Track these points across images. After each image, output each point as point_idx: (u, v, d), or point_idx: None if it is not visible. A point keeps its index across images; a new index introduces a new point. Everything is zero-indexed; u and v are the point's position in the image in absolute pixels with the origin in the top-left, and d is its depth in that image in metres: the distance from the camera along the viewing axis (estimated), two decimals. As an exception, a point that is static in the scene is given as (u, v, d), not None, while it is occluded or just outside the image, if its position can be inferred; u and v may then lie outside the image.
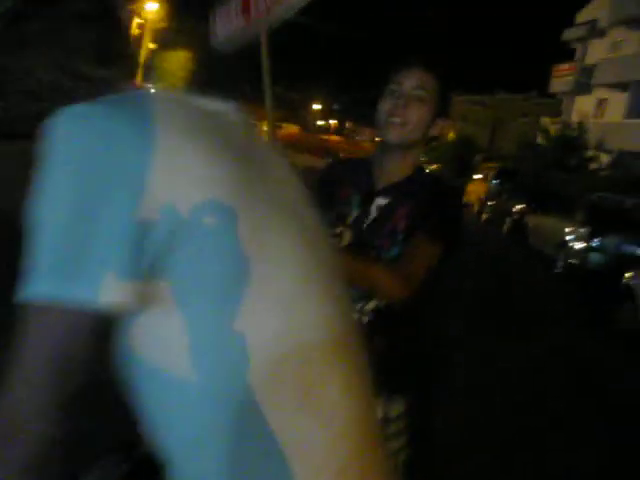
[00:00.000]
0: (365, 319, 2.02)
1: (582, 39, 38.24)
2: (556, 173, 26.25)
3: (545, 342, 7.89)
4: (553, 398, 6.03)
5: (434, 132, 2.16)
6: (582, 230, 13.58)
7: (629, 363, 8.05)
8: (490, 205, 22.87)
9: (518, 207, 19.18)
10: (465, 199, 27.88)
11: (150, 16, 39.55)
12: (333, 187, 2.21)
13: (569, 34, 39.84)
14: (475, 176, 28.29)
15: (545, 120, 34.70)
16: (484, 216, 23.06)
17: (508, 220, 19.65)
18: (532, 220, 16.93)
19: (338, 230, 2.11)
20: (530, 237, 16.62)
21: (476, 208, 25.13)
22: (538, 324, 9.06)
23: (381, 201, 2.10)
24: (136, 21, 38.84)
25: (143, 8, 39.04)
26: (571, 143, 28.59)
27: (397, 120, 2.05)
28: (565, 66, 38.92)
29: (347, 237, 2.10)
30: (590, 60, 36.32)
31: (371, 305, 2.02)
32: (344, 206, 2.15)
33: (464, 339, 6.85)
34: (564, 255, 13.84)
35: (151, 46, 40.71)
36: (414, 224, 2.03)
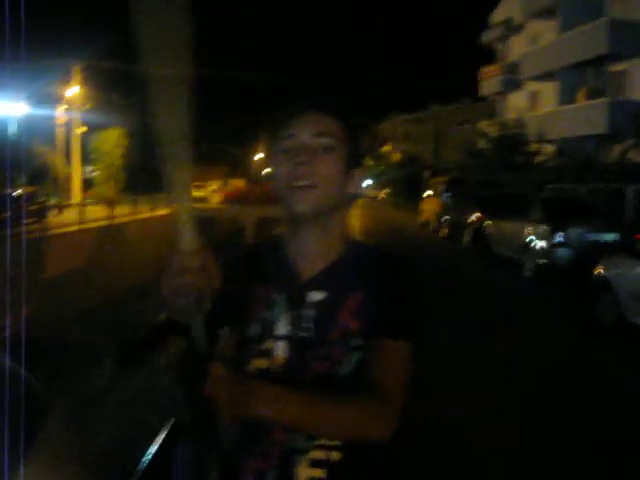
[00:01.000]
0: (336, 456, 1.50)
1: (501, 38, 38.85)
2: (504, 174, 26.25)
3: (530, 349, 7.58)
4: (531, 404, 5.60)
5: (353, 188, 1.63)
6: (542, 228, 13.32)
7: (615, 361, 7.67)
8: (446, 219, 22.59)
9: (474, 216, 18.90)
10: (420, 218, 27.73)
11: (74, 100, 39.25)
12: (241, 292, 1.62)
13: (487, 36, 40.43)
14: (426, 192, 28.06)
15: (482, 124, 34.87)
16: (442, 232, 22.76)
17: (466, 231, 19.37)
18: (491, 227, 16.63)
19: (266, 346, 1.57)
20: (492, 244, 16.29)
21: (432, 225, 24.86)
22: (518, 331, 8.72)
23: (314, 297, 1.57)
24: (61, 108, 38.73)
25: (65, 94, 38.75)
26: (512, 141, 28.68)
27: (303, 183, 1.52)
28: (491, 67, 39.39)
29: (280, 353, 1.56)
30: (513, 57, 36.80)
31: (316, 453, 1.50)
32: (263, 311, 1.60)
33: (440, 362, 6.42)
34: (530, 257, 13.52)
35: (82, 130, 40.40)
36: (370, 323, 1.53)
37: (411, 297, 1.59)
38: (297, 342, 1.54)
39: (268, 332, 1.57)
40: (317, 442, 1.49)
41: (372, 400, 1.44)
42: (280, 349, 1.55)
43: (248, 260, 1.66)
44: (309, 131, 1.57)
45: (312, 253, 1.61)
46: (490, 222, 16.92)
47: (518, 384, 6.64)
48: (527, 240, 13.72)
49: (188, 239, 1.19)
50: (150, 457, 1.75)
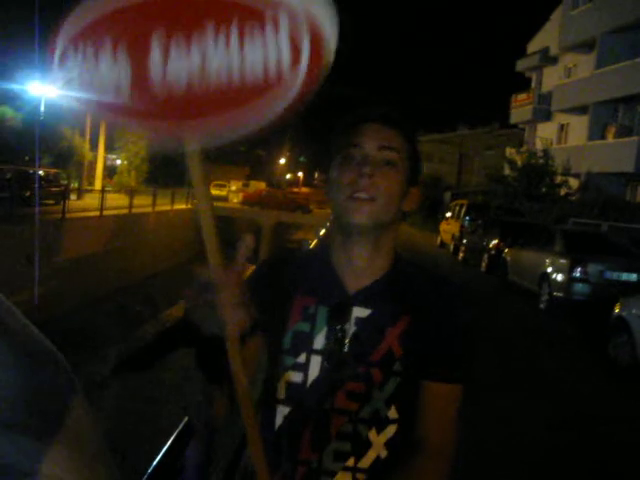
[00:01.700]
0: (363, 478, 1.46)
1: (536, 68, 38.73)
2: (527, 203, 26.11)
3: (539, 382, 7.47)
4: (540, 440, 5.49)
5: (408, 206, 1.59)
6: (562, 261, 13.19)
7: (629, 403, 7.54)
8: (465, 243, 22.45)
9: (493, 242, 18.77)
10: (439, 239, 27.62)
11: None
12: (279, 297, 1.56)
13: (522, 64, 40.31)
14: (447, 214, 27.95)
15: (510, 151, 34.74)
16: (460, 255, 22.62)
17: (485, 257, 19.22)
18: (509, 255, 16.48)
19: (300, 360, 1.51)
20: (510, 272, 16.13)
21: (451, 247, 24.73)
22: (528, 363, 8.59)
23: (359, 313, 1.51)
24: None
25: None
26: (538, 171, 28.55)
27: (363, 195, 1.48)
28: (523, 96, 39.23)
29: (315, 368, 1.50)
30: (546, 87, 36.74)
31: (369, 459, 1.46)
32: (300, 323, 1.54)
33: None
34: (547, 288, 13.39)
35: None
36: (416, 353, 1.49)
37: (467, 334, 1.55)
38: (334, 358, 1.49)
39: (303, 345, 1.51)
40: (345, 464, 1.45)
41: (428, 464, 1.45)
42: (315, 364, 1.50)
43: (291, 267, 1.61)
44: (376, 143, 1.54)
45: (360, 267, 1.55)
46: (509, 250, 16.79)
47: (527, 418, 6.54)
48: (545, 271, 13.59)
49: (214, 253, 1.12)
50: (161, 455, 1.70)
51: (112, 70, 1.09)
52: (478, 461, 5.06)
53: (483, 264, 19.32)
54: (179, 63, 1.04)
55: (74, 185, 34.49)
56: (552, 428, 6.29)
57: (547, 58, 37.16)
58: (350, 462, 1.45)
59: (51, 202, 24.61)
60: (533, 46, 39.84)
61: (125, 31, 1.07)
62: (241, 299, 1.13)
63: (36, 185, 24.86)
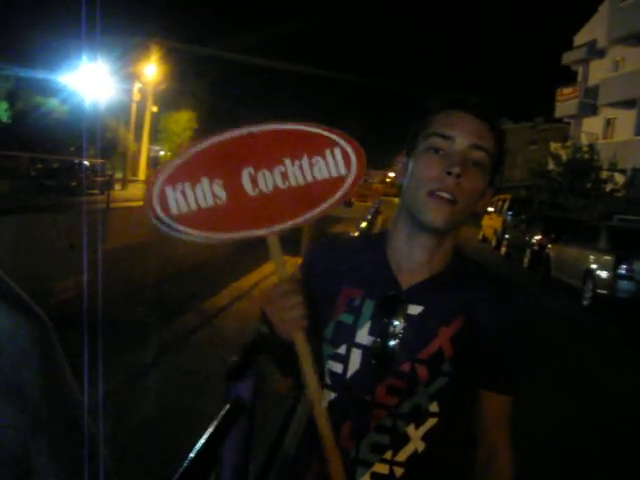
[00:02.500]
0: (400, 472, 1.45)
1: (583, 61, 38.09)
2: (572, 199, 25.72)
3: (585, 383, 7.35)
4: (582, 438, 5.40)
5: (482, 207, 1.54)
6: (607, 257, 12.96)
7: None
8: (507, 238, 22.18)
9: (537, 238, 18.51)
10: (480, 234, 27.36)
11: (150, 80, 39.92)
12: (323, 285, 1.55)
13: (569, 57, 39.66)
14: (489, 209, 27.67)
15: (555, 145, 34.23)
16: (502, 250, 22.37)
17: (528, 252, 18.96)
18: (553, 250, 16.23)
19: (340, 351, 1.49)
20: (553, 268, 15.90)
21: (493, 242, 24.48)
22: (571, 361, 8.47)
23: (410, 309, 1.47)
24: (137, 86, 39.46)
25: (143, 72, 39.43)
26: (583, 166, 28.10)
27: (446, 195, 1.41)
28: (569, 89, 38.65)
29: (356, 361, 1.48)
30: (593, 81, 36.14)
31: (406, 452, 1.45)
32: (344, 315, 1.51)
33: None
34: (591, 285, 13.17)
35: (154, 109, 41.09)
36: (468, 354, 1.46)
37: (522, 344, 1.52)
38: (378, 353, 1.46)
39: (344, 337, 1.49)
40: (382, 456, 1.44)
41: (498, 474, 1.52)
42: (356, 357, 1.47)
43: (337, 256, 1.57)
44: (468, 139, 1.45)
45: (419, 262, 1.51)
46: (552, 245, 16.55)
47: (568, 417, 6.45)
48: (590, 268, 13.37)
49: (281, 268, 1.42)
50: (201, 443, 1.71)
51: (209, 195, 1.39)
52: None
53: (525, 259, 19.07)
54: (264, 183, 1.42)
55: (118, 175, 34.95)
56: (595, 428, 6.20)
57: (594, 51, 36.51)
58: (387, 455, 1.44)
59: (96, 192, 24.96)
60: (580, 38, 39.17)
61: (217, 162, 1.40)
62: (304, 305, 1.37)
63: (82, 175, 25.23)
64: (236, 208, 1.40)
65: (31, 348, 0.79)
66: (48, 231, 14.47)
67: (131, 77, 38.48)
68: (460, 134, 1.45)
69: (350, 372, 1.47)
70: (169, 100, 42.53)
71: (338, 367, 1.48)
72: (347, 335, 1.48)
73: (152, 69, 39.89)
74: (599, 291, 12.83)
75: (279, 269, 1.43)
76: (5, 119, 29.33)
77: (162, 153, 46.65)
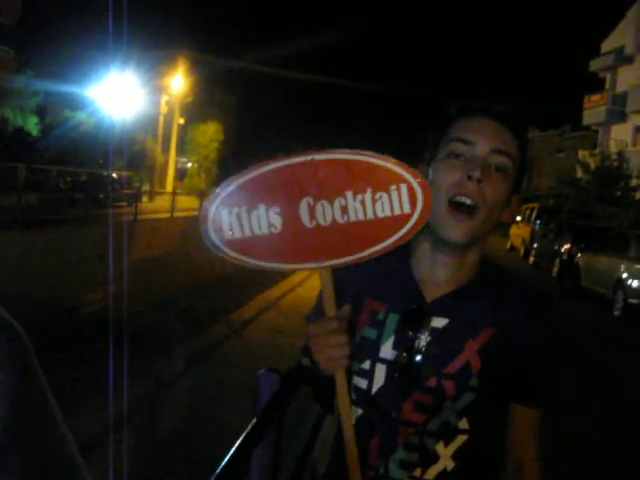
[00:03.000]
0: None
1: (610, 67, 37.71)
2: (601, 207, 25.43)
3: (616, 392, 7.24)
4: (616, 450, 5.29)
5: (507, 216, 1.48)
6: (638, 266, 12.78)
7: None
8: (536, 247, 21.99)
9: (566, 247, 18.33)
10: (508, 243, 27.15)
11: (177, 92, 40.26)
12: (350, 299, 1.47)
13: (596, 64, 39.30)
14: (517, 218, 27.44)
15: (583, 153, 33.91)
16: (531, 259, 22.18)
17: (557, 261, 18.79)
18: (582, 260, 16.06)
19: (365, 367, 1.44)
20: (582, 278, 15.72)
21: (522, 252, 24.28)
22: (602, 370, 8.34)
23: (435, 322, 1.41)
24: (164, 98, 39.82)
25: (169, 85, 39.78)
26: (612, 174, 27.79)
27: (467, 201, 1.37)
28: (596, 96, 38.28)
29: (380, 376, 1.43)
30: (621, 87, 35.77)
31: (435, 470, 1.40)
32: (368, 329, 1.46)
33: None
34: (622, 295, 12.99)
35: (181, 121, 41.42)
36: (497, 368, 1.40)
37: (554, 354, 1.46)
38: (402, 369, 1.40)
39: (368, 352, 1.44)
40: (411, 473, 1.39)
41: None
42: (380, 372, 1.42)
43: (365, 267, 1.45)
44: (490, 144, 1.40)
45: (442, 277, 1.45)
46: (582, 254, 16.37)
47: (601, 428, 6.35)
48: (621, 277, 13.19)
49: (330, 305, 1.37)
50: (229, 456, 1.69)
51: (264, 222, 1.34)
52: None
53: (554, 269, 18.89)
54: (322, 216, 1.35)
55: (146, 187, 35.23)
56: (626, 433, 6.10)
57: (622, 57, 36.15)
58: (416, 472, 1.39)
59: (124, 204, 25.20)
60: (607, 45, 38.80)
61: (276, 189, 1.34)
62: (349, 339, 1.34)
63: (110, 188, 25.47)
64: (291, 239, 1.35)
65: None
66: (77, 243, 14.61)
67: (158, 89, 38.85)
68: (481, 139, 1.40)
69: (375, 388, 1.43)
70: (196, 112, 42.85)
71: (363, 383, 1.44)
72: (371, 350, 1.44)
73: (179, 81, 40.24)
74: (630, 301, 12.66)
75: (328, 305, 1.38)
76: (35, 133, 29.74)
77: (189, 165, 46.96)
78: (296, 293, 13.01)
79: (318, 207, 1.35)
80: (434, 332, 1.40)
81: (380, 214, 1.35)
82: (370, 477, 1.41)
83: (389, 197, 1.35)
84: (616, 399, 7.36)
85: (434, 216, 1.37)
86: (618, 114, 35.06)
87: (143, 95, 35.09)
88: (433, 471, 1.39)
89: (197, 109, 42.90)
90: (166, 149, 40.23)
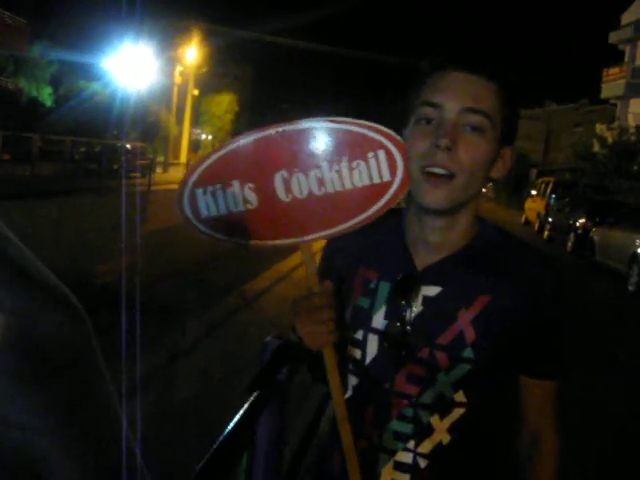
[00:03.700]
0: (424, 463, 1.36)
1: (630, 40, 37.19)
2: (618, 182, 25.23)
3: (628, 367, 7.21)
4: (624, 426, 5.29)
5: (499, 172, 1.37)
6: (654, 241, 12.68)
7: None
8: (551, 221, 21.87)
9: (581, 221, 18.21)
10: (523, 217, 27.01)
11: (191, 63, 40.10)
12: (345, 268, 1.45)
13: (616, 36, 38.76)
14: (532, 191, 27.26)
15: (601, 127, 33.56)
16: (545, 233, 22.06)
17: (571, 236, 18.67)
18: (598, 234, 15.94)
19: (357, 337, 1.40)
20: (597, 253, 15.62)
21: (536, 226, 24.15)
22: (616, 346, 8.30)
23: (428, 291, 1.34)
24: (178, 69, 39.68)
25: (184, 56, 39.62)
26: (630, 148, 27.51)
27: (440, 171, 1.26)
28: (615, 69, 37.79)
29: (373, 348, 1.38)
30: (641, 61, 35.26)
31: (430, 443, 1.36)
32: (361, 298, 1.41)
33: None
34: (637, 270, 12.90)
35: (195, 92, 41.30)
36: (494, 338, 1.32)
37: (558, 322, 1.38)
38: (394, 339, 1.35)
39: (361, 322, 1.40)
40: (405, 444, 1.36)
41: (544, 459, 1.43)
42: (373, 343, 1.38)
43: (358, 235, 1.39)
44: (461, 104, 1.27)
45: (434, 242, 1.37)
46: (597, 229, 16.26)
47: (614, 405, 6.33)
48: (635, 252, 13.09)
49: (314, 280, 1.34)
50: (235, 421, 1.69)
51: (239, 199, 1.31)
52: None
53: (569, 243, 18.78)
54: (299, 188, 1.31)
55: (160, 159, 35.25)
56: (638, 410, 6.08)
57: (642, 30, 35.66)
58: (411, 444, 1.35)
59: (137, 175, 25.25)
60: (627, 17, 38.21)
61: (249, 165, 1.31)
62: (333, 315, 1.32)
63: (124, 158, 25.49)
64: (268, 214, 1.32)
65: (73, 348, 0.70)
66: (90, 214, 14.67)
67: (173, 60, 38.71)
68: (449, 99, 1.28)
69: (368, 359, 1.39)
70: (210, 83, 42.71)
71: (357, 353, 1.40)
72: (363, 320, 1.39)
73: (193, 52, 40.06)
74: (645, 276, 12.59)
75: (311, 281, 1.35)
76: (49, 104, 29.72)
77: (204, 136, 46.91)
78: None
79: (294, 180, 1.31)
80: (426, 301, 1.34)
81: (358, 183, 1.31)
82: (364, 446, 1.39)
83: (367, 165, 1.31)
84: (633, 374, 7.34)
85: (412, 182, 1.31)
86: (637, 87, 34.62)
87: (157, 66, 34.97)
88: (428, 444, 1.35)
89: (212, 80, 42.74)
90: (180, 120, 40.18)
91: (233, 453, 1.73)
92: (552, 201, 23.10)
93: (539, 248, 1.42)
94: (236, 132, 43.69)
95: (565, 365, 1.43)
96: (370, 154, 1.31)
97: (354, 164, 1.31)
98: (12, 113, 25.30)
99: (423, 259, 1.37)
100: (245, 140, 1.32)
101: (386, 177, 1.31)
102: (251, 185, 1.31)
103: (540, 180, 27.38)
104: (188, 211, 1.34)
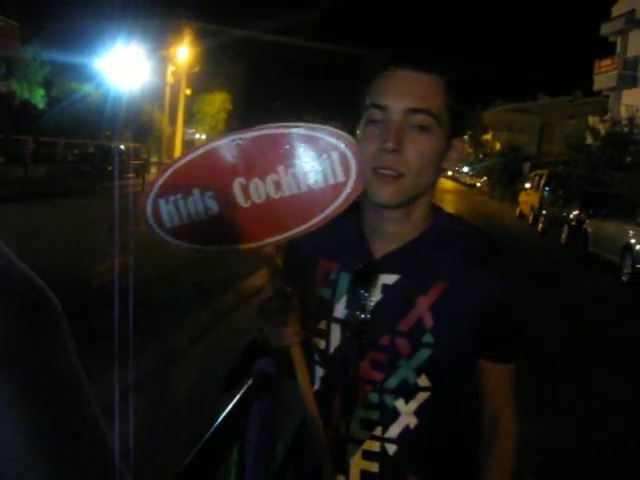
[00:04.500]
0: (392, 449, 1.39)
1: (621, 31, 37.21)
2: (610, 173, 25.29)
3: (623, 356, 7.26)
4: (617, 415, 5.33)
5: (450, 163, 1.40)
6: (646, 232, 12.73)
7: None
8: (545, 214, 21.93)
9: (574, 213, 18.28)
10: (517, 210, 27.05)
11: (183, 62, 40.02)
12: (303, 262, 1.49)
13: (607, 28, 38.78)
14: (526, 184, 27.32)
15: (593, 119, 33.62)
16: (539, 226, 22.12)
17: (565, 228, 18.74)
18: (591, 226, 16.01)
19: (321, 327, 1.44)
20: (590, 244, 15.69)
21: (531, 218, 24.22)
22: (610, 337, 8.35)
23: (385, 279, 1.37)
24: (170, 69, 39.60)
25: (176, 55, 39.53)
26: (623, 140, 27.56)
27: (388, 172, 1.29)
28: (607, 61, 37.82)
29: (336, 337, 1.42)
30: (632, 52, 35.30)
31: (397, 428, 1.38)
32: (323, 289, 1.44)
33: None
34: (629, 261, 12.97)
35: (188, 92, 41.21)
36: (452, 323, 1.35)
37: (517, 304, 1.40)
38: (355, 327, 1.39)
39: (324, 312, 1.43)
40: (372, 432, 1.39)
41: (503, 439, 1.45)
42: (336, 332, 1.42)
43: (316, 232, 1.40)
44: (405, 105, 1.29)
45: (389, 233, 1.41)
46: (590, 221, 16.32)
47: (605, 393, 6.38)
48: (628, 243, 13.16)
49: (277, 282, 1.37)
50: (228, 410, 1.73)
51: (200, 207, 1.34)
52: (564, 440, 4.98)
53: (563, 235, 18.85)
54: (256, 193, 1.33)
55: (154, 159, 35.21)
56: (632, 405, 6.13)
57: (633, 21, 35.63)
58: (377, 431, 1.38)
59: (132, 175, 25.23)
60: (618, 9, 38.25)
61: (207, 173, 1.34)
62: (298, 317, 1.35)
63: (117, 159, 25.47)
64: (229, 220, 1.34)
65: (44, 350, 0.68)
66: (85, 215, 14.67)
67: (165, 60, 38.62)
68: (393, 100, 1.30)
69: (332, 348, 1.42)
70: (203, 82, 42.62)
71: (322, 343, 1.44)
72: (326, 310, 1.43)
73: (185, 51, 39.98)
74: (638, 266, 12.63)
75: (274, 283, 1.38)
76: (42, 105, 29.68)
77: (197, 136, 46.85)
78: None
79: (251, 186, 1.33)
80: (385, 289, 1.38)
81: (314, 186, 1.33)
82: (332, 437, 1.41)
83: (321, 167, 1.33)
84: (624, 364, 7.39)
85: (365, 179, 1.34)
86: (629, 79, 34.67)
87: (149, 66, 34.89)
88: (395, 429, 1.38)
89: (204, 79, 42.66)
90: (174, 120, 40.10)
91: (222, 446, 1.76)
92: (546, 194, 23.15)
93: (489, 231, 1.45)
94: (229, 130, 43.61)
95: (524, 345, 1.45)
96: (324, 156, 1.33)
97: (309, 167, 1.33)
98: (5, 116, 25.25)
99: (381, 249, 1.41)
100: (202, 150, 1.35)
101: (340, 178, 1.34)
102: (210, 193, 1.33)
103: (534, 173, 27.43)
104: (152, 221, 1.36)
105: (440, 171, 1.38)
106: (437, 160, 1.34)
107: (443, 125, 1.31)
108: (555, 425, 5.21)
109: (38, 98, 29.43)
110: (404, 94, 1.29)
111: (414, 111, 1.29)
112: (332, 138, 1.33)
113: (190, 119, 44.10)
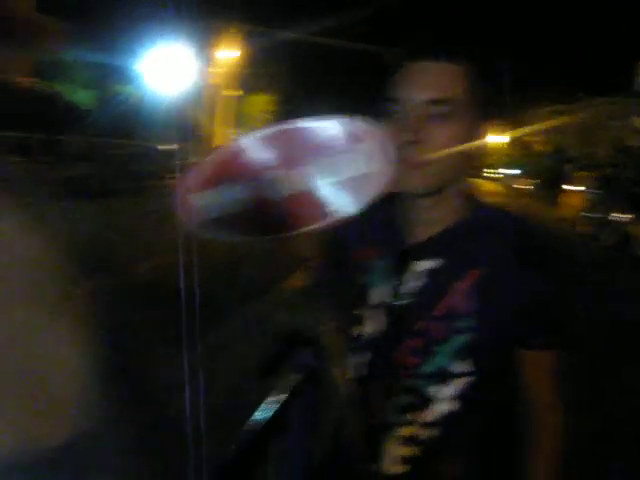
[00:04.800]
0: (428, 434, 1.41)
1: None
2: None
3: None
4: None
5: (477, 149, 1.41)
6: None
7: None
8: (588, 217, 21.59)
9: (620, 217, 17.96)
10: (560, 212, 26.68)
11: (228, 63, 40.25)
12: (342, 251, 1.55)
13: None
14: (568, 187, 26.90)
15: (636, 120, 32.96)
16: (582, 229, 21.79)
17: (611, 232, 18.42)
18: (638, 230, 15.71)
19: (359, 313, 1.48)
20: (638, 248, 15.40)
21: (573, 221, 23.85)
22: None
23: (421, 265, 1.41)
24: (215, 70, 39.85)
25: (221, 57, 39.79)
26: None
27: (412, 162, 1.35)
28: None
29: (372, 323, 1.46)
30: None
31: (433, 414, 1.40)
32: (361, 276, 1.49)
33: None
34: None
35: (232, 93, 41.45)
36: (487, 309, 1.35)
37: (556, 299, 1.40)
38: (392, 314, 1.42)
39: (361, 299, 1.48)
40: (409, 418, 1.41)
41: (548, 435, 1.43)
42: (372, 319, 1.45)
43: (354, 223, 1.41)
44: (424, 97, 1.34)
45: (423, 221, 1.44)
46: (638, 225, 16.03)
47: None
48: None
49: (314, 276, 1.45)
50: (269, 402, 1.77)
51: (233, 199, 1.35)
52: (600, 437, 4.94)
53: (608, 240, 18.55)
54: (296, 184, 1.33)
55: (193, 160, 35.50)
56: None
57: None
58: (414, 417, 1.40)
59: (177, 175, 25.46)
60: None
61: (238, 167, 1.36)
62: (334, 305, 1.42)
63: (161, 159, 25.71)
64: (267, 210, 1.34)
65: None
66: (133, 214, 14.91)
67: (209, 61, 38.88)
68: (413, 93, 1.35)
69: (369, 335, 1.46)
70: (247, 84, 42.81)
71: (359, 330, 1.48)
72: (363, 297, 1.47)
73: (229, 53, 40.20)
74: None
75: (311, 275, 1.46)
76: (87, 106, 30.08)
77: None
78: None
79: (285, 178, 1.33)
80: (420, 275, 1.41)
81: (350, 174, 1.32)
82: (369, 423, 1.44)
83: (354, 158, 1.32)
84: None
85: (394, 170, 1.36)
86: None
87: (193, 67, 35.17)
88: (432, 415, 1.40)
89: (248, 80, 42.84)
90: (217, 122, 40.34)
91: (263, 439, 1.79)
92: (591, 195, 22.79)
93: (536, 220, 1.48)
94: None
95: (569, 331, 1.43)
96: (358, 146, 1.31)
97: (343, 158, 1.32)
98: (50, 116, 25.68)
99: (416, 236, 1.45)
100: (238, 144, 1.39)
101: (373, 168, 1.33)
102: (243, 186, 1.35)
103: (578, 174, 27.02)
104: (189, 215, 1.40)
105: (471, 158, 1.40)
106: (464, 143, 1.36)
107: (466, 111, 1.35)
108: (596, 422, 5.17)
109: (83, 99, 29.84)
110: (423, 85, 1.34)
111: (433, 102, 1.33)
112: (364, 128, 1.32)
113: (236, 120, 44.33)
